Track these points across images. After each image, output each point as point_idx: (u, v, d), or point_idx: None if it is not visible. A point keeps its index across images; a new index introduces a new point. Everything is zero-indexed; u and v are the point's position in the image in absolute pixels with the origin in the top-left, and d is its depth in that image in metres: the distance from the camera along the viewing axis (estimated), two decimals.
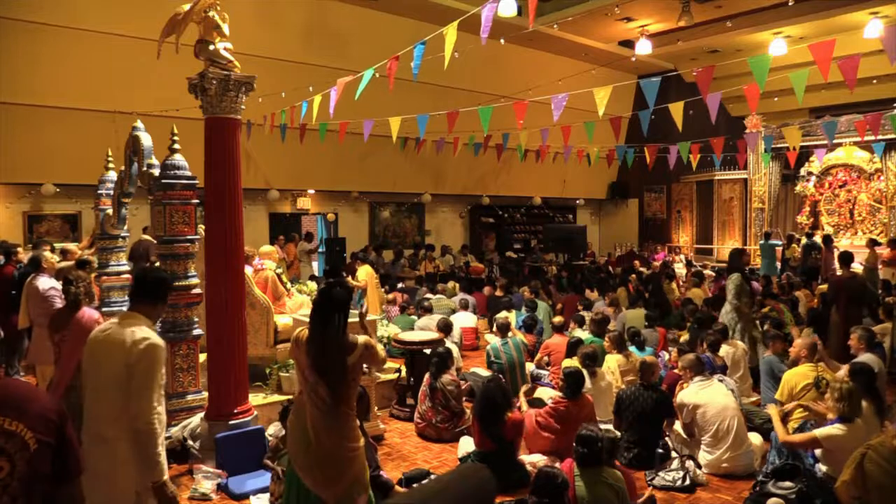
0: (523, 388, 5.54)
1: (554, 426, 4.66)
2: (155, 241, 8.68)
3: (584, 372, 5.00)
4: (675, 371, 5.40)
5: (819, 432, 3.93)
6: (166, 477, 2.63)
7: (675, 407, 4.86)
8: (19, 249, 7.30)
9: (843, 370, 5.03)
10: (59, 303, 5.21)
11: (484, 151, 11.27)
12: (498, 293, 10.18)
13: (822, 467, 4.04)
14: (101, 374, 2.68)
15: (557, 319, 7.20)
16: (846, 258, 7.29)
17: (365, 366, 5.07)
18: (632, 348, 6.20)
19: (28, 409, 1.66)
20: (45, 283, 5.45)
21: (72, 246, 8.37)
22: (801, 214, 14.96)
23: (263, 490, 4.13)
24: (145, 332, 2.69)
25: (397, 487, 4.07)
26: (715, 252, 16.31)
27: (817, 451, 4.11)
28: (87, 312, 4.02)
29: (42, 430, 1.66)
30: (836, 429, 3.88)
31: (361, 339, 2.90)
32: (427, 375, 5.51)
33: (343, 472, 2.82)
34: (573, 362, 5.65)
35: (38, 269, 5.66)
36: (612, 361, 5.87)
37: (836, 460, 3.77)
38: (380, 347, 3.05)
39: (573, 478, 3.51)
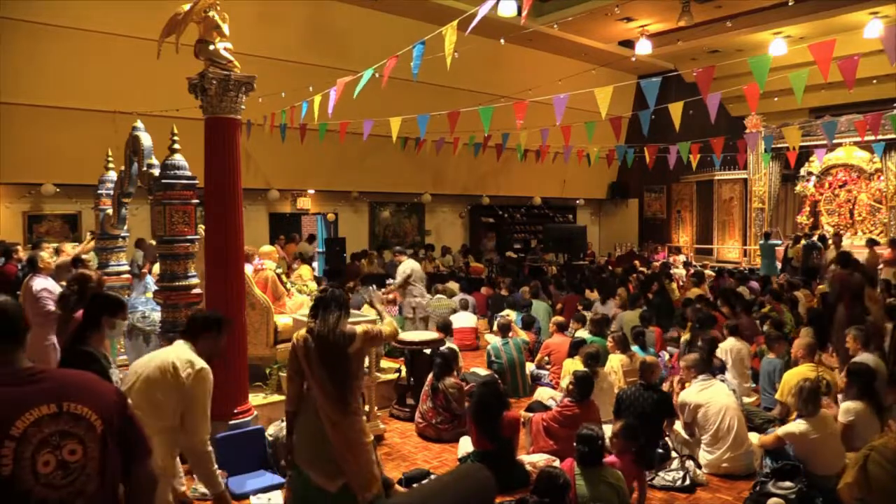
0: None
1: (561, 430, 4.64)
2: (141, 253, 8.71)
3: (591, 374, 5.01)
4: (679, 374, 5.37)
5: (781, 430, 4.13)
6: (224, 486, 2.86)
7: (675, 407, 4.86)
8: (18, 248, 7.30)
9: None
10: (50, 305, 5.19)
11: (483, 151, 11.27)
12: (503, 292, 10.17)
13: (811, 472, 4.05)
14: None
15: (558, 319, 7.20)
16: (845, 260, 7.28)
17: (365, 364, 5.09)
18: (635, 348, 6.20)
19: (90, 393, 1.71)
20: (39, 283, 5.43)
21: (68, 246, 8.38)
22: (801, 214, 14.97)
23: (263, 490, 4.13)
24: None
25: (397, 487, 4.07)
26: (715, 252, 16.32)
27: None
28: None
29: (106, 411, 1.71)
30: (795, 425, 4.05)
31: (359, 328, 3.07)
32: (430, 375, 5.51)
33: (350, 464, 2.89)
34: (575, 362, 5.65)
35: (35, 269, 5.65)
36: (616, 361, 5.87)
37: (805, 453, 4.00)
38: (385, 324, 3.30)
39: (573, 477, 3.51)
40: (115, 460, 1.72)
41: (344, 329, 2.99)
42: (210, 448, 2.82)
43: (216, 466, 2.84)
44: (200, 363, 2.83)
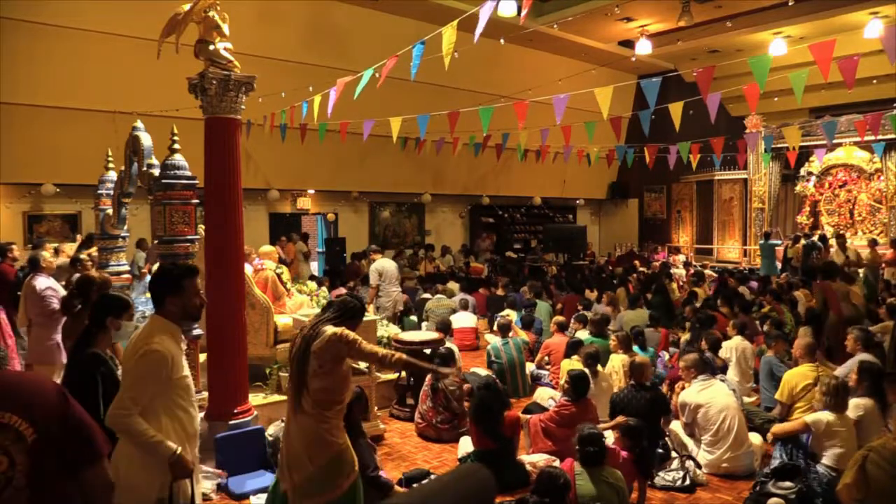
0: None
1: (559, 430, 4.63)
2: (142, 254, 8.70)
3: (587, 372, 4.99)
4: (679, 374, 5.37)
5: (809, 417, 4.12)
6: (176, 449, 2.53)
7: (676, 407, 4.85)
8: (14, 247, 7.29)
9: (840, 369, 5.04)
10: (55, 303, 5.20)
11: (484, 151, 11.27)
12: (499, 292, 10.17)
13: (820, 467, 4.04)
14: None
15: (559, 319, 7.20)
16: (829, 270, 7.49)
17: (364, 365, 5.07)
18: (634, 348, 6.20)
19: (23, 399, 1.60)
20: (43, 282, 5.44)
21: (67, 247, 8.38)
22: (801, 214, 14.97)
23: (263, 490, 4.12)
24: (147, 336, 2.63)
25: (397, 487, 4.07)
26: (715, 252, 16.32)
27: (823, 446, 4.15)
28: None
29: (40, 419, 1.60)
30: (824, 414, 4.05)
31: (330, 328, 2.86)
32: (429, 376, 5.50)
33: (303, 466, 2.80)
34: (572, 363, 5.65)
35: (37, 269, 5.66)
36: (618, 361, 5.87)
37: (825, 445, 4.03)
38: (361, 341, 2.90)
39: (573, 477, 3.51)
40: (50, 470, 1.60)
41: (320, 327, 2.87)
42: (129, 419, 2.47)
43: (147, 434, 2.50)
44: (151, 345, 2.56)
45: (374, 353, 2.89)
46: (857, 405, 4.21)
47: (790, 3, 9.29)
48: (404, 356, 2.96)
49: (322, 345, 2.80)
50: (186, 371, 2.73)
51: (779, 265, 12.85)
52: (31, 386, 1.66)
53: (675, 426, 4.85)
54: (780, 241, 13.74)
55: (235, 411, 4.54)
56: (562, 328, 7.04)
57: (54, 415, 1.63)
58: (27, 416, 1.58)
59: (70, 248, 8.26)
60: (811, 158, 14.23)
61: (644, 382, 4.78)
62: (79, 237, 9.48)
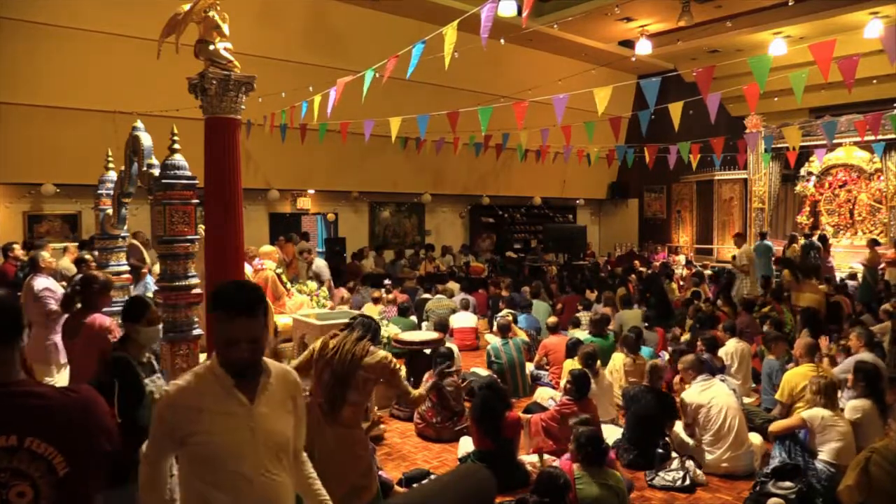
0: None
1: (560, 430, 4.63)
2: (139, 245, 8.69)
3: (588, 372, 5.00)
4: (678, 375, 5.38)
5: (805, 413, 4.16)
6: None
7: (677, 407, 4.86)
8: (15, 246, 7.29)
9: (837, 369, 5.05)
10: (52, 304, 5.20)
11: (485, 151, 11.27)
12: (504, 293, 10.17)
13: (819, 463, 4.04)
14: None
15: (552, 320, 7.20)
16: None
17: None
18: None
19: (59, 425, 1.48)
20: (41, 283, 5.45)
21: (72, 247, 8.38)
22: (801, 214, 14.96)
23: None
24: None
25: (397, 487, 4.07)
26: (715, 252, 16.31)
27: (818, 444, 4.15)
28: (98, 318, 3.98)
29: (72, 444, 1.49)
30: (819, 410, 4.08)
31: (381, 351, 3.21)
32: (427, 375, 5.49)
33: (344, 476, 2.92)
34: (574, 363, 5.65)
35: (37, 269, 5.66)
36: (619, 360, 5.87)
37: (822, 441, 4.05)
38: (415, 391, 3.43)
39: (573, 480, 3.51)
40: (78, 498, 1.52)
41: (364, 345, 3.15)
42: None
43: None
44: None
45: (407, 390, 3.36)
46: (854, 407, 4.20)
47: (790, 3, 9.29)
48: (425, 392, 3.53)
49: (374, 363, 3.12)
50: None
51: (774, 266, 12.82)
52: (67, 410, 1.52)
53: (676, 426, 4.86)
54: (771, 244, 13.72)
55: None
56: (554, 330, 7.01)
57: (82, 435, 1.53)
58: (62, 444, 1.47)
59: (73, 249, 8.27)
60: (811, 158, 14.21)
61: (658, 387, 4.81)
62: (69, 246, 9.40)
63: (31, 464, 1.44)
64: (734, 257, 11.09)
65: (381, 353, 3.19)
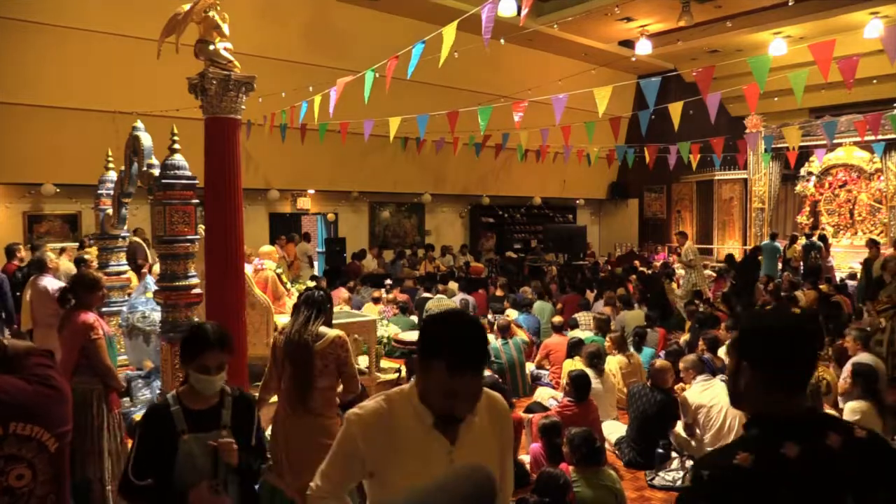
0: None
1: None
2: (142, 243, 8.68)
3: (591, 371, 5.00)
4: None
5: None
6: None
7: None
8: (20, 247, 7.29)
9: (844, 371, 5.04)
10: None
11: (483, 150, 11.27)
12: (498, 293, 10.17)
13: None
14: None
15: (557, 319, 7.20)
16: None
17: (364, 364, 5.09)
18: (630, 349, 6.19)
19: (43, 407, 1.57)
20: (52, 283, 5.44)
21: (70, 247, 8.38)
22: (801, 214, 14.97)
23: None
24: None
25: None
26: (715, 252, 16.31)
27: None
28: (83, 315, 3.95)
29: (62, 423, 1.59)
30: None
31: (333, 332, 3.09)
32: None
33: (314, 465, 2.80)
34: (575, 363, 5.65)
35: (43, 269, 5.65)
36: (614, 363, 5.86)
37: None
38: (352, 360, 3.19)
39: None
40: (64, 473, 1.61)
41: (314, 328, 3.05)
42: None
43: None
44: None
45: (353, 374, 3.16)
46: (852, 409, 4.19)
47: (790, 3, 9.29)
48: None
49: (325, 347, 3.01)
50: None
51: (780, 266, 12.83)
52: (49, 392, 1.62)
53: (677, 426, 4.86)
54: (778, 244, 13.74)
55: None
56: (557, 329, 7.01)
57: (68, 415, 1.63)
58: (49, 424, 1.56)
59: (71, 249, 8.27)
60: (811, 158, 14.21)
61: (662, 386, 4.80)
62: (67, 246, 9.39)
63: (22, 446, 1.51)
64: (679, 254, 11.39)
65: (332, 333, 3.09)
